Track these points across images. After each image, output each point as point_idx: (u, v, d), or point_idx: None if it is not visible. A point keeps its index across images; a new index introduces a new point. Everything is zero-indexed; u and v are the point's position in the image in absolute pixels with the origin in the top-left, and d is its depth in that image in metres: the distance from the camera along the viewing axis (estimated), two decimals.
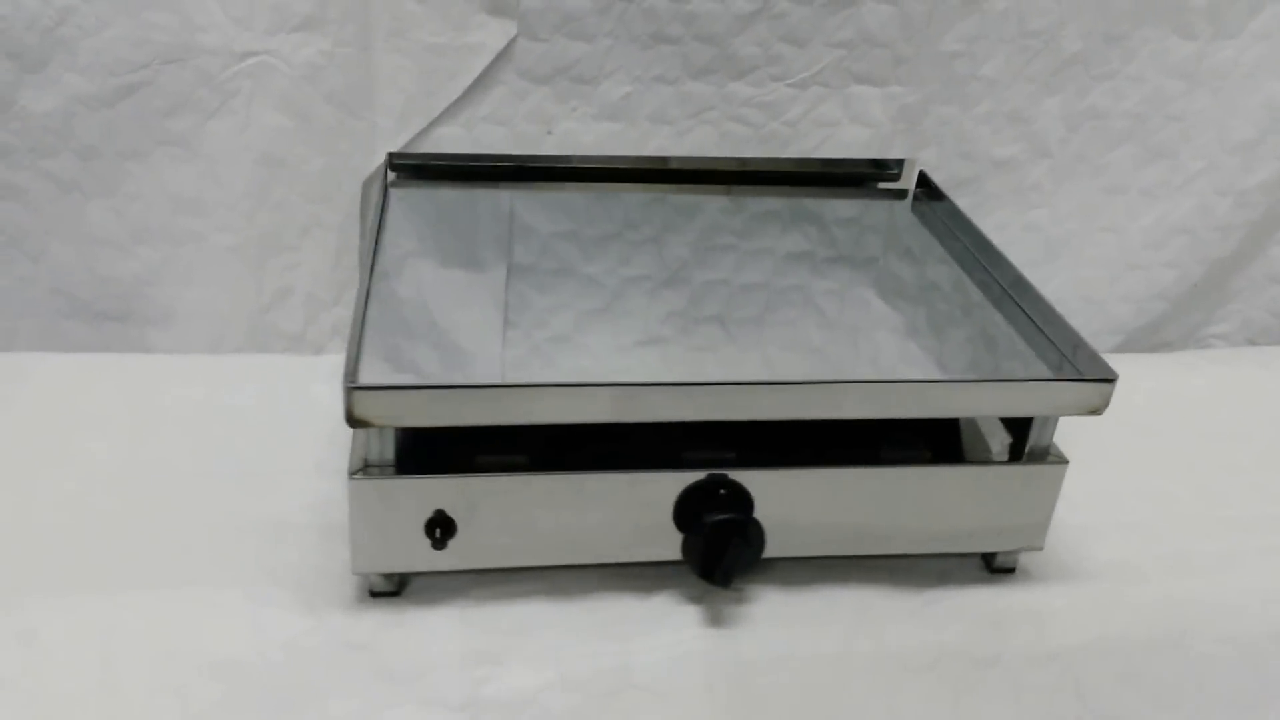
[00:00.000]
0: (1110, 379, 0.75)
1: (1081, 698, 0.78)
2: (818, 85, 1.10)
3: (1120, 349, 1.26)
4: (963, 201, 1.17)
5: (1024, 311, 0.85)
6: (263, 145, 1.04)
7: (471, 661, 0.74)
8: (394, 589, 0.78)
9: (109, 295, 1.08)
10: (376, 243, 0.89)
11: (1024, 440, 0.79)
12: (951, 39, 1.09)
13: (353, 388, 0.68)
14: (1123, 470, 0.99)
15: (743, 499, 0.77)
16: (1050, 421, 0.78)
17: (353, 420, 0.69)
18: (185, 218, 1.06)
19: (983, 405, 0.77)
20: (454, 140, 1.07)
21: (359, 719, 0.70)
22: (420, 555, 0.75)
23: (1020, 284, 0.87)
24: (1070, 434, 0.96)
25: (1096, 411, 0.76)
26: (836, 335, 0.85)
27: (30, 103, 0.99)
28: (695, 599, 0.80)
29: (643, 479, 0.76)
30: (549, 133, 1.09)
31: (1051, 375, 0.79)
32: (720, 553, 0.74)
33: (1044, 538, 0.82)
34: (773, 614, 0.79)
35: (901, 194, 1.07)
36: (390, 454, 0.73)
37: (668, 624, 0.78)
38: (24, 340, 1.09)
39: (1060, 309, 1.22)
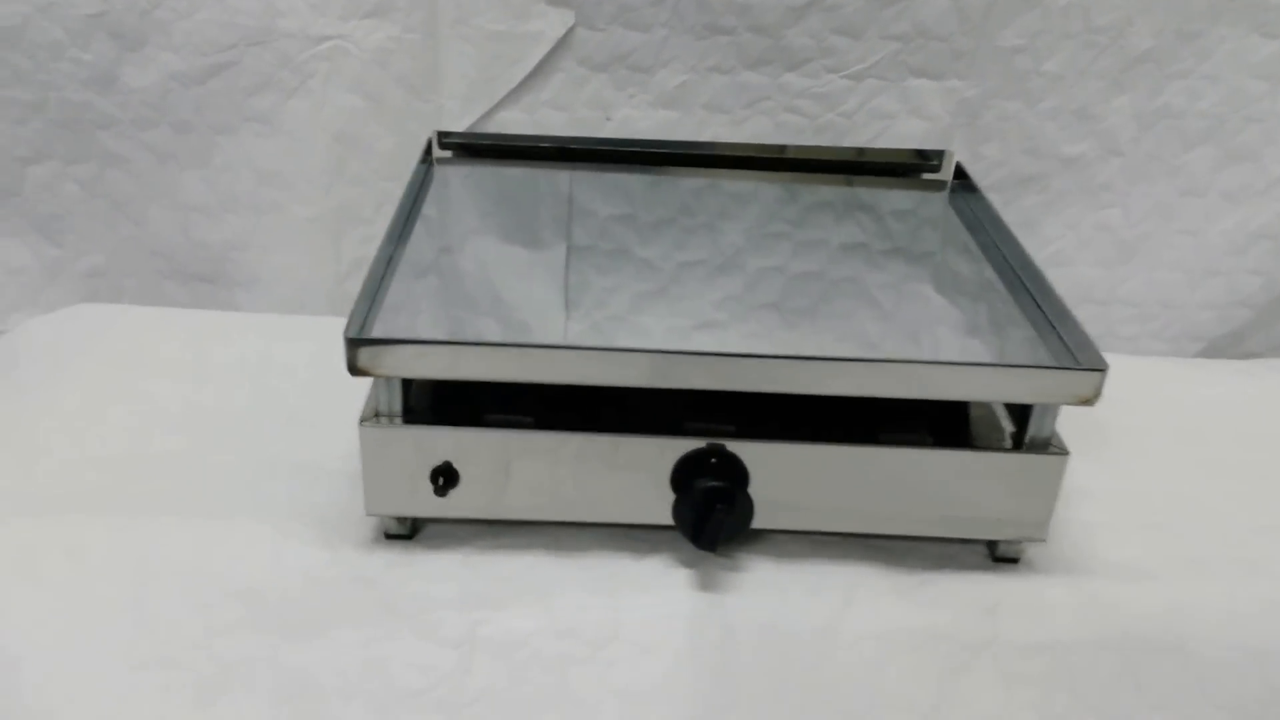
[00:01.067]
0: (1100, 369, 0.74)
1: (1073, 690, 0.77)
2: (873, 78, 1.11)
3: (1203, 355, 1.23)
4: (1030, 199, 1.18)
5: (1035, 302, 0.85)
6: (338, 124, 1.11)
7: (470, 604, 0.78)
8: (406, 533, 0.84)
9: (201, 259, 1.18)
10: (411, 212, 0.94)
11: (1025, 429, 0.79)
12: (1012, 33, 1.09)
13: (352, 340, 0.74)
14: (1160, 474, 0.96)
15: (735, 469, 0.79)
16: (1049, 411, 0.78)
17: (354, 370, 0.74)
18: (268, 189, 1.14)
19: (965, 388, 0.77)
20: (517, 124, 1.12)
21: (360, 647, 0.75)
22: (426, 501, 0.80)
23: (1035, 275, 0.87)
24: (1110, 435, 0.97)
25: (1088, 401, 0.75)
26: (854, 316, 0.86)
27: (131, 79, 1.09)
28: (688, 564, 0.82)
29: (644, 443, 0.79)
30: (608, 119, 1.13)
31: (1039, 362, 0.78)
32: (706, 518, 0.77)
33: (1046, 530, 0.81)
34: (763, 583, 0.81)
35: (941, 185, 1.07)
36: (398, 404, 0.78)
37: (659, 584, 0.80)
38: (130, 296, 1.20)
39: (1137, 313, 1.22)
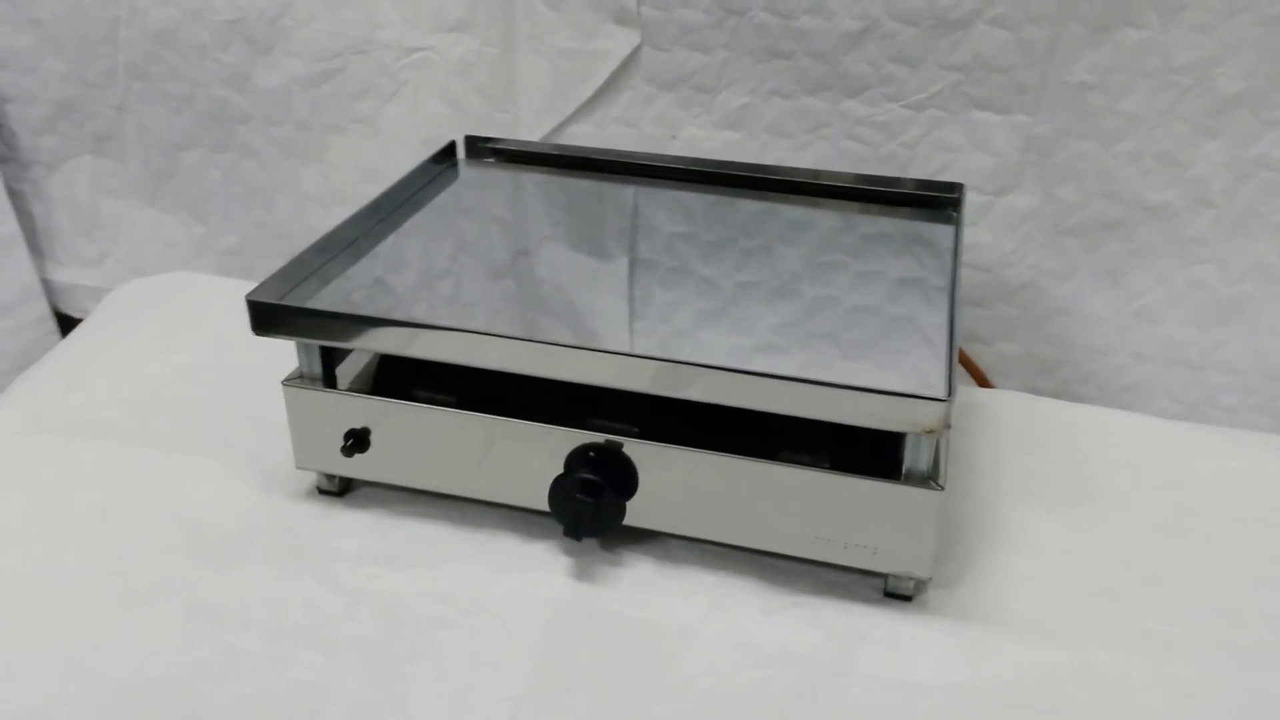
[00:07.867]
0: (940, 399, 0.71)
1: None
2: (935, 108, 1.08)
3: None
4: (1114, 246, 1.11)
5: (951, 335, 0.81)
6: (427, 128, 1.21)
7: (368, 560, 0.85)
8: (335, 490, 0.91)
9: None
10: (407, 202, 1.02)
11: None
12: (1081, 69, 1.03)
13: (250, 300, 0.82)
14: (1130, 539, 0.89)
15: (612, 465, 0.80)
16: (923, 443, 0.75)
17: (255, 328, 0.83)
18: (368, 185, 1.25)
19: (794, 405, 0.74)
20: (588, 137, 1.18)
21: (266, 582, 0.83)
22: (348, 461, 0.87)
23: (956, 309, 0.83)
24: (1103, 496, 0.94)
25: (932, 431, 0.72)
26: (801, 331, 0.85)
27: (261, 79, 1.24)
28: (571, 552, 0.85)
29: (546, 432, 0.82)
30: (673, 137, 1.16)
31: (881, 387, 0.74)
32: (572, 505, 0.80)
33: (929, 567, 0.78)
34: (638, 581, 0.83)
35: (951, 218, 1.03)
36: (318, 368, 0.86)
37: (539, 567, 0.84)
38: (259, 274, 1.34)
39: (1238, 382, 1.11)
